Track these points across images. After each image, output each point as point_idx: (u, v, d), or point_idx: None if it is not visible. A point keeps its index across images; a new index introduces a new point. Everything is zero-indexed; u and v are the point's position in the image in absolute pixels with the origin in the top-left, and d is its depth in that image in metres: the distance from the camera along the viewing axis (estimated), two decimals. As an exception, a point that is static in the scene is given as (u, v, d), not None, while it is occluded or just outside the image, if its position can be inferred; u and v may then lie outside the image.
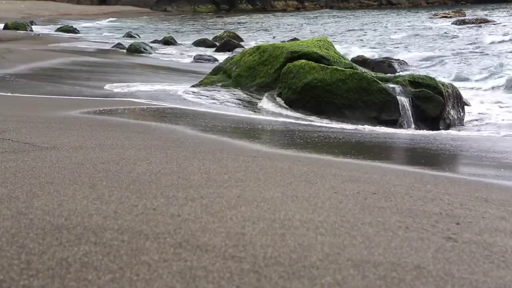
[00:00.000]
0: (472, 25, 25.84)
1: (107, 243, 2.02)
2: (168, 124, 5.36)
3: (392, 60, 14.40)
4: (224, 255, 1.96)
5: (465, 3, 60.61)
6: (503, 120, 7.71)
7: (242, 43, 20.89)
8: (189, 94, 8.13)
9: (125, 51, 17.57)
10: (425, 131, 6.90)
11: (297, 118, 7.03)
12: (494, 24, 26.54)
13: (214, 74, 9.17)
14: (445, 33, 23.45)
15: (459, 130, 7.16)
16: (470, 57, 15.42)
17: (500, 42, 18.59)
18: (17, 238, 2.02)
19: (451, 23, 26.89)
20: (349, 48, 17.19)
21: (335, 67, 7.80)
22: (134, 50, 17.36)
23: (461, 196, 3.07)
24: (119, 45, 18.81)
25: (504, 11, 39.36)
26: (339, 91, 7.49)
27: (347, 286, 1.78)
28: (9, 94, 7.11)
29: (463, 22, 26.43)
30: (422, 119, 7.37)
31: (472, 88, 10.66)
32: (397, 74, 8.63)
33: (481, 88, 10.66)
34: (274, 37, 25.58)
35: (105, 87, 8.81)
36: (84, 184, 2.81)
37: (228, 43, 20.12)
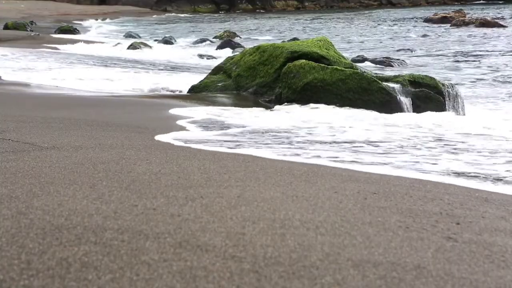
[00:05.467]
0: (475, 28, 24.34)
1: (107, 243, 2.02)
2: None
3: (392, 60, 14.41)
4: (224, 255, 1.96)
5: (465, 3, 60.69)
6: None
7: (242, 43, 20.90)
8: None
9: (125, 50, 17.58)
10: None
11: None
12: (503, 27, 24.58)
13: (214, 74, 9.16)
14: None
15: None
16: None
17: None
18: (17, 238, 2.03)
19: (450, 26, 26.41)
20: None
21: (335, 67, 7.80)
22: (134, 49, 17.37)
23: (461, 196, 3.07)
24: (118, 45, 18.81)
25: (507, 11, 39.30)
26: (339, 91, 7.50)
27: (347, 286, 1.78)
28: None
29: (463, 23, 26.14)
30: (422, 119, 7.36)
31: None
32: (397, 74, 8.60)
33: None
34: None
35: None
36: (84, 184, 2.81)
37: (228, 42, 20.13)
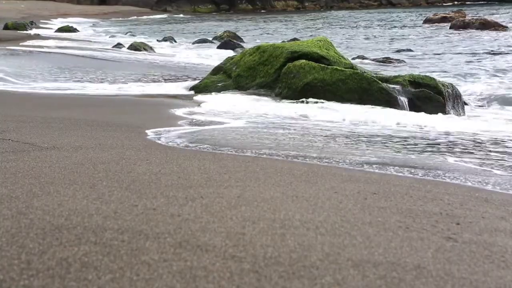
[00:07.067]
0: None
1: (107, 243, 2.02)
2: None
3: (392, 60, 14.41)
4: (224, 255, 1.96)
5: (464, 2, 60.74)
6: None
7: (242, 43, 20.89)
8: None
9: (126, 50, 17.55)
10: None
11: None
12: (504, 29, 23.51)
13: (214, 74, 9.17)
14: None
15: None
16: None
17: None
18: (17, 238, 2.02)
19: (450, 26, 26.24)
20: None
21: (335, 67, 7.80)
22: (134, 49, 17.35)
23: (461, 196, 3.07)
24: (119, 45, 18.80)
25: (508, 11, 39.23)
26: (339, 91, 7.50)
27: (347, 286, 1.78)
28: None
29: (463, 24, 25.94)
30: (422, 119, 7.34)
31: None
32: (397, 74, 8.60)
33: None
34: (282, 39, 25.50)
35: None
36: (84, 184, 2.81)
37: (228, 43, 20.12)
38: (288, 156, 4.10)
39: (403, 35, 24.30)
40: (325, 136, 5.21)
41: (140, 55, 16.24)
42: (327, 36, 11.64)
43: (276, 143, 4.68)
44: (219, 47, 19.55)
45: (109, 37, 25.43)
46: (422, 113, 7.01)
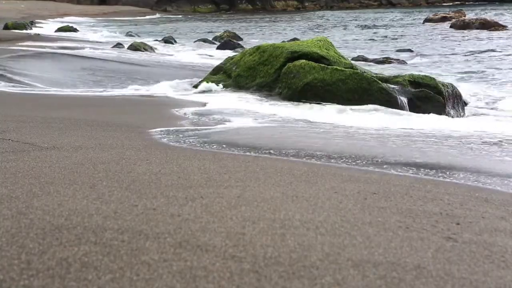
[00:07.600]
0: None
1: (107, 243, 2.02)
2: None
3: (392, 60, 14.41)
4: (224, 255, 1.96)
5: (464, 2, 60.79)
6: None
7: (242, 43, 20.88)
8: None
9: (126, 50, 17.54)
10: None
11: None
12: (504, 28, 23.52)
13: (214, 74, 9.18)
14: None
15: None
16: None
17: None
18: (17, 238, 2.03)
19: (450, 26, 26.28)
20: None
21: (335, 67, 7.80)
22: (134, 49, 17.34)
23: (461, 196, 3.07)
24: (119, 45, 18.79)
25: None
26: (339, 91, 7.50)
27: (347, 286, 1.79)
28: None
29: (463, 24, 25.92)
30: (422, 119, 7.35)
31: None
32: (397, 74, 8.60)
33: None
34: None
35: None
36: (84, 184, 2.82)
37: (228, 43, 20.12)
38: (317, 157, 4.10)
39: (403, 35, 24.30)
40: (372, 135, 5.20)
41: (144, 57, 16.22)
42: (327, 36, 11.64)
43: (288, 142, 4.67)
44: (219, 47, 19.55)
45: (109, 37, 25.41)
46: (444, 116, 7.07)
